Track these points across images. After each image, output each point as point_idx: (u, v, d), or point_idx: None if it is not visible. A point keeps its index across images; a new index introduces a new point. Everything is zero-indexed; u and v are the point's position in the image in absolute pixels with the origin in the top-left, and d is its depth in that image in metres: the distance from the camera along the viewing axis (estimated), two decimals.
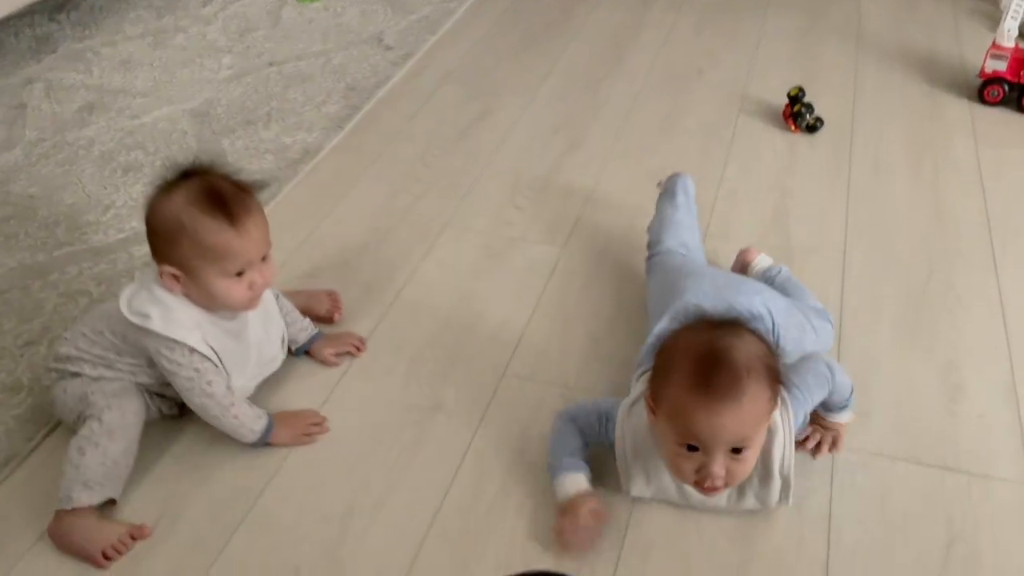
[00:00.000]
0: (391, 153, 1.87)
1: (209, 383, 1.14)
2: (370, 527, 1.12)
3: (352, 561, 1.08)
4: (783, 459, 1.04)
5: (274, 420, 1.21)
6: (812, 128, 1.87)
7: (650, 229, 1.45)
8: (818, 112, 1.89)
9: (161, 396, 1.21)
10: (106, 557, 1.06)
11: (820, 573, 1.05)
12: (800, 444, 1.15)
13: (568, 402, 1.27)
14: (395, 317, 1.44)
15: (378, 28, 2.37)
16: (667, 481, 1.08)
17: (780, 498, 1.07)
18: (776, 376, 0.97)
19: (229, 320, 1.17)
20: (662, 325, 1.16)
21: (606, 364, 1.34)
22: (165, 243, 1.09)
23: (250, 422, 1.18)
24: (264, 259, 1.14)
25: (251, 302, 1.15)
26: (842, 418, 1.17)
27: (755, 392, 0.94)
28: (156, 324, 1.10)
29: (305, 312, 1.41)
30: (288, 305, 1.33)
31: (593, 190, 1.74)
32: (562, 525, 1.08)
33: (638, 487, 1.09)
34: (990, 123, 1.92)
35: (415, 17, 2.42)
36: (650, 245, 1.42)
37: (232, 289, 1.11)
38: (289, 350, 1.32)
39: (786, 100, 1.91)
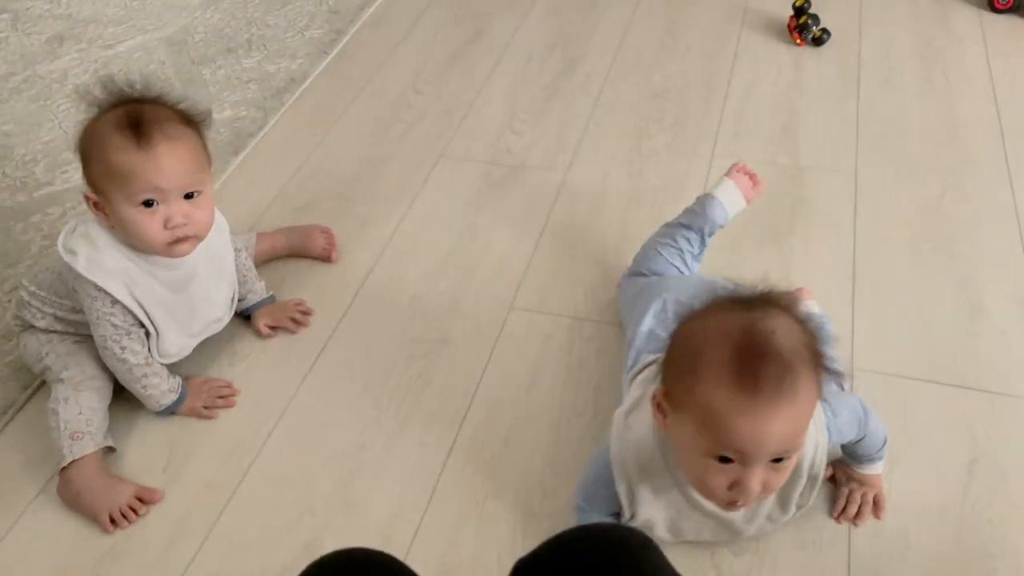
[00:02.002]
0: (380, 79, 1.79)
1: (123, 348, 1.07)
2: (383, 464, 1.09)
3: (367, 499, 1.06)
4: (814, 457, 0.89)
5: (186, 391, 1.14)
6: (818, 40, 1.80)
7: (641, 255, 1.23)
8: (824, 23, 1.81)
9: None
10: (113, 522, 1.03)
11: None
12: (840, 513, 1.00)
13: (577, 333, 1.24)
14: (395, 251, 1.40)
15: None
16: (675, 497, 0.91)
17: (800, 504, 0.93)
18: (822, 364, 0.78)
19: (170, 270, 1.08)
20: (647, 323, 1.04)
21: (615, 292, 1.30)
22: (85, 164, 1.02)
23: (159, 396, 1.11)
24: (190, 197, 1.02)
25: (171, 246, 1.02)
26: (875, 469, 1.00)
27: (807, 389, 0.76)
28: (80, 263, 1.03)
29: (299, 251, 1.36)
30: (247, 264, 1.24)
31: (594, 111, 1.68)
32: None
33: (645, 511, 0.92)
34: (1001, 31, 1.85)
35: None
36: (635, 264, 1.23)
37: (143, 222, 1.00)
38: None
39: (791, 12, 1.83)
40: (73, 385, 1.09)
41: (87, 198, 1.03)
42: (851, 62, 1.78)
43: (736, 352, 0.75)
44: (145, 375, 1.10)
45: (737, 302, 0.80)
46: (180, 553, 1.01)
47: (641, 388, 0.93)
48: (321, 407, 1.17)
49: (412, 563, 0.98)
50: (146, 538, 1.03)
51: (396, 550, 0.99)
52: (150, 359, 1.10)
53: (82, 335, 1.12)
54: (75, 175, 1.52)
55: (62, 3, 2.01)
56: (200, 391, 1.16)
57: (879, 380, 1.16)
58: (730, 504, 0.81)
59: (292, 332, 1.26)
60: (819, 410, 0.87)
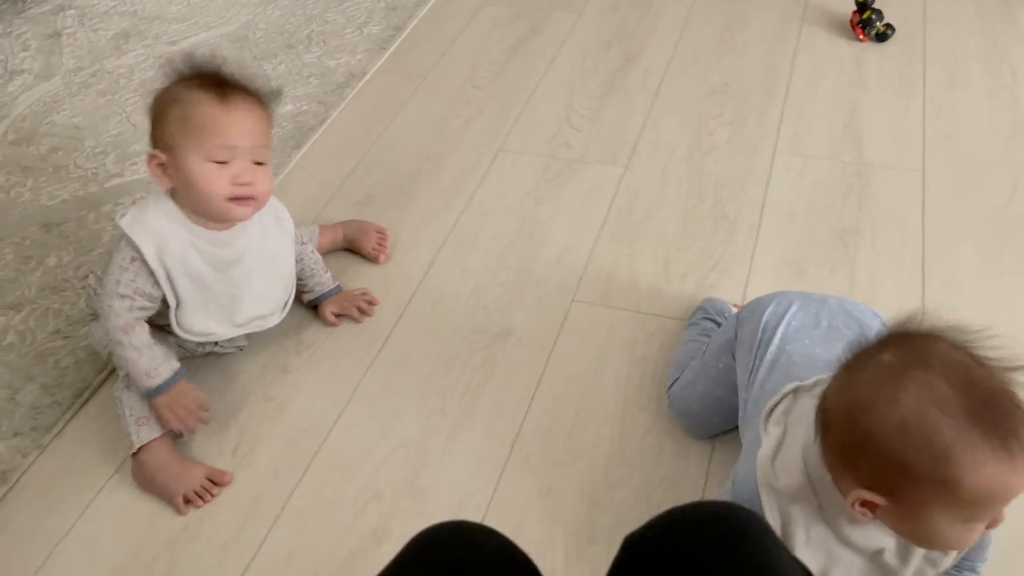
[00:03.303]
0: (438, 75, 1.80)
1: (110, 306, 1.04)
2: (449, 453, 1.10)
3: (433, 486, 1.07)
4: None
5: (170, 387, 1.07)
6: (882, 36, 1.77)
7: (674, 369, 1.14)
8: (887, 19, 1.78)
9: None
10: (188, 502, 1.05)
11: None
12: None
13: (640, 327, 1.23)
14: (455, 244, 1.40)
15: None
16: (826, 536, 0.80)
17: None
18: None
19: (217, 246, 1.07)
20: (771, 352, 0.92)
21: (677, 286, 1.30)
22: (156, 123, 1.04)
23: (133, 372, 1.06)
24: (259, 163, 1.05)
25: (232, 203, 1.03)
26: None
27: None
28: (124, 220, 1.04)
29: (351, 244, 1.37)
30: (313, 258, 1.24)
31: (652, 106, 1.67)
32: None
33: (798, 553, 0.79)
34: None
35: None
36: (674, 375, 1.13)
37: (212, 177, 1.01)
38: (298, 299, 1.24)
39: (853, 7, 1.80)
40: (132, 359, 1.07)
41: (151, 158, 1.04)
42: (915, 59, 1.75)
43: (975, 420, 0.66)
44: (120, 343, 1.05)
45: (903, 356, 0.71)
46: (250, 535, 1.03)
47: (782, 425, 0.84)
48: (386, 395, 1.18)
49: None
50: (218, 520, 1.05)
51: None
52: (134, 327, 1.06)
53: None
54: (144, 167, 1.55)
55: (127, 0, 2.06)
56: (179, 400, 1.08)
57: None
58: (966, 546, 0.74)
59: (357, 321, 1.27)
60: None
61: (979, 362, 0.70)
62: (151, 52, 1.88)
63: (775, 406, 0.86)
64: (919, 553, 0.79)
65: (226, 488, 1.08)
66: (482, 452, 1.10)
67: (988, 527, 0.72)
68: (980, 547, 0.86)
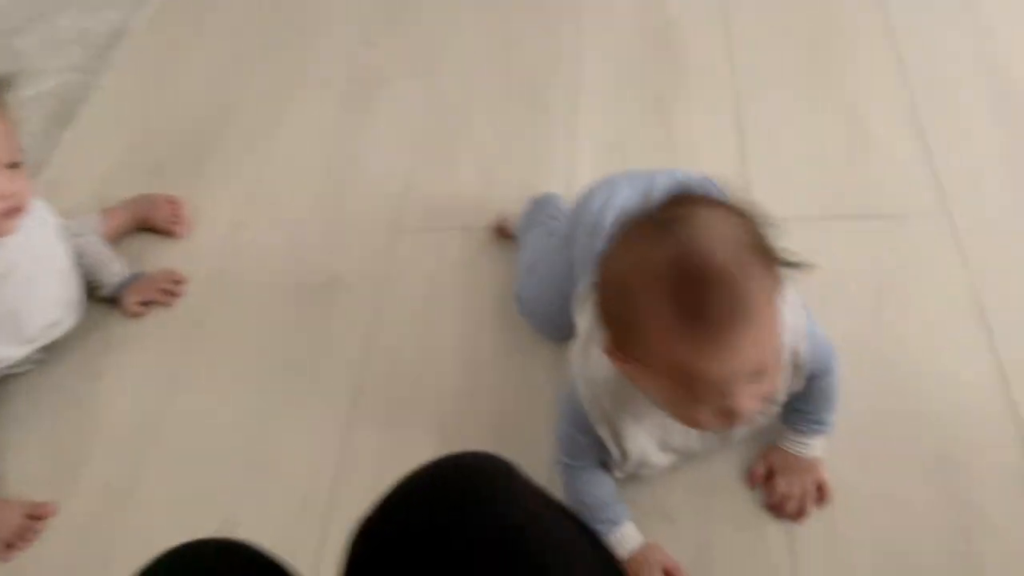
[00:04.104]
0: (212, 19, 1.64)
1: None
2: (289, 423, 1.02)
3: (277, 462, 0.99)
4: (795, 342, 0.78)
5: None
6: None
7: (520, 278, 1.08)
8: None
9: None
10: (9, 546, 0.94)
11: None
12: (777, 509, 0.87)
13: (473, 242, 1.17)
14: (263, 196, 1.29)
15: None
16: (657, 416, 0.81)
17: (793, 389, 0.84)
18: (768, 251, 0.67)
19: None
20: (580, 240, 0.91)
21: (503, 192, 1.23)
22: None
23: None
24: (14, 167, 0.94)
25: (5, 222, 0.95)
26: (814, 448, 0.88)
27: (761, 294, 0.65)
28: None
29: (144, 223, 1.24)
30: (96, 249, 1.12)
31: (447, 6, 1.56)
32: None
33: (634, 444, 0.83)
34: None
35: None
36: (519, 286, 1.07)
37: None
38: (94, 295, 1.13)
39: None
40: None
41: None
42: None
43: (672, 294, 0.64)
44: None
45: (652, 222, 0.68)
46: (91, 563, 0.94)
47: (589, 317, 0.81)
48: (213, 376, 1.08)
49: (336, 517, 0.93)
50: (52, 554, 0.95)
51: (316, 506, 0.95)
52: None
53: None
54: None
55: None
56: None
57: (782, 226, 1.13)
58: (727, 427, 0.73)
59: (166, 305, 1.15)
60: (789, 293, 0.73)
61: (730, 242, 0.65)
62: None
63: (586, 299, 0.82)
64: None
65: (53, 519, 0.97)
66: (324, 414, 1.03)
67: (725, 419, 0.70)
68: (821, 397, 0.87)
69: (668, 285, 0.64)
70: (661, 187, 0.89)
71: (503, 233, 1.16)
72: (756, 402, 0.70)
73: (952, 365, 0.96)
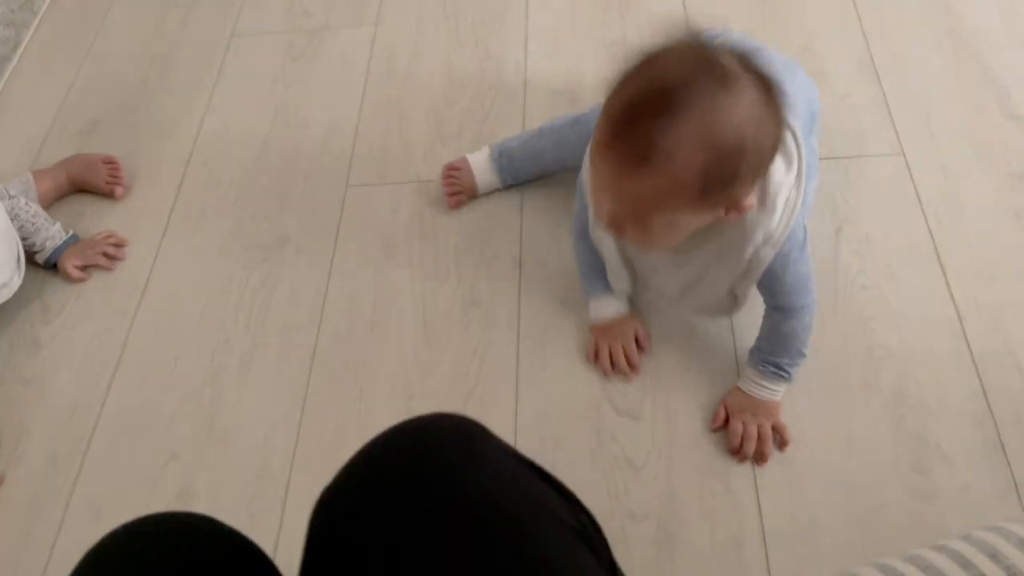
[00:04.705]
0: None
1: None
2: (244, 388, 0.99)
3: (235, 428, 0.96)
4: (761, 243, 0.79)
5: None
6: None
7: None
8: None
9: None
10: None
11: None
12: (737, 452, 0.88)
13: (424, 197, 1.14)
14: (204, 154, 1.24)
15: None
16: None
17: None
18: (728, 171, 0.68)
19: None
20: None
21: (455, 144, 1.20)
22: None
23: None
24: None
25: None
26: (776, 392, 0.88)
27: (675, 176, 0.67)
28: None
29: (80, 184, 1.18)
30: (30, 209, 1.07)
31: None
32: (608, 347, 0.94)
33: (608, 247, 0.89)
34: None
35: None
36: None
37: None
38: (32, 261, 1.08)
39: None
40: None
41: None
42: None
43: (620, 104, 0.68)
44: None
45: (650, 51, 0.69)
46: (40, 538, 0.91)
47: None
48: (160, 343, 1.04)
49: (297, 479, 0.91)
50: None
51: (277, 471, 0.92)
52: None
53: None
54: None
55: None
56: None
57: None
58: (615, 236, 0.79)
59: (108, 269, 1.11)
60: (793, 187, 0.77)
61: (690, 81, 0.66)
62: None
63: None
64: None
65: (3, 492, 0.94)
66: (281, 376, 1.00)
67: (609, 227, 0.75)
68: (783, 339, 0.87)
69: (626, 96, 0.67)
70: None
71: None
72: (628, 235, 0.75)
73: (909, 304, 0.97)
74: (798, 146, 0.79)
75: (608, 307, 0.96)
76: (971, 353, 0.93)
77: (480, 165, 1.10)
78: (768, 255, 0.80)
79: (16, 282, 1.04)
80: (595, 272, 0.96)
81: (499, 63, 1.30)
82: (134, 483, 0.93)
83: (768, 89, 0.67)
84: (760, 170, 0.71)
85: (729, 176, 0.68)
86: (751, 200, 0.73)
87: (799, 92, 0.90)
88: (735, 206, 0.72)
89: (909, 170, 1.09)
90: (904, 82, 1.19)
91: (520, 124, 1.20)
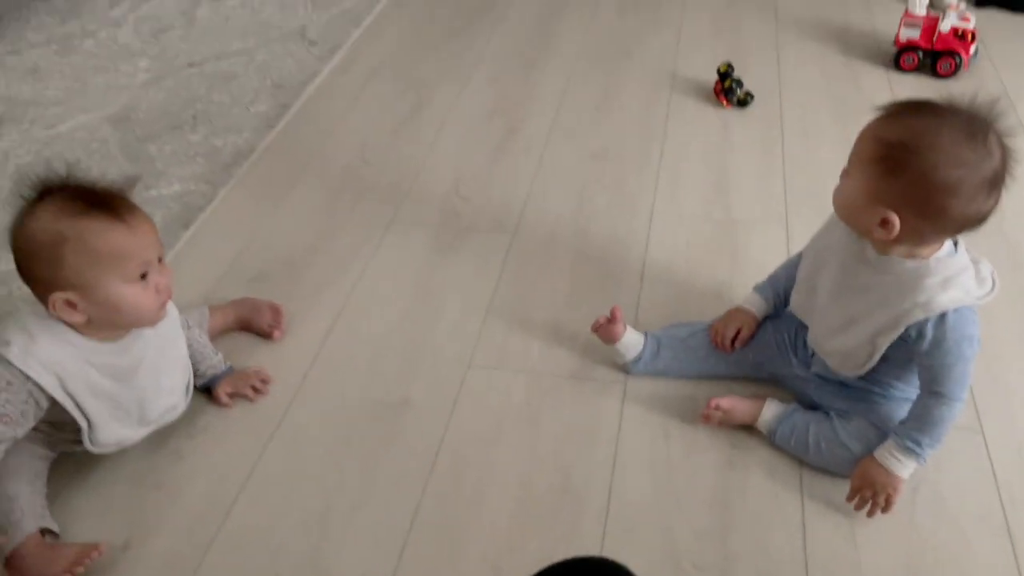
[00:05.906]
0: (327, 151, 1.83)
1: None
2: (350, 529, 1.10)
3: (336, 563, 1.06)
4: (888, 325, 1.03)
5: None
6: (743, 102, 1.91)
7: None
8: (747, 87, 1.93)
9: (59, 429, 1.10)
10: None
11: None
12: (854, 501, 1.07)
13: (535, 387, 1.27)
14: (350, 316, 1.42)
15: (299, 22, 2.31)
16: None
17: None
18: None
19: (116, 357, 1.05)
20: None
21: (569, 346, 1.34)
22: (47, 265, 0.96)
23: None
24: (161, 261, 1.05)
25: (161, 310, 1.06)
26: (906, 469, 1.04)
27: None
28: (13, 353, 0.98)
29: (245, 324, 1.37)
30: (201, 340, 1.24)
31: (536, 173, 1.74)
32: (723, 324, 1.26)
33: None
34: (907, 88, 1.99)
35: (337, 10, 2.37)
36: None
37: (140, 297, 1.01)
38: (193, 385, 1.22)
39: (716, 76, 1.94)
40: None
41: (58, 304, 0.98)
42: (774, 121, 1.89)
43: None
44: None
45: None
46: None
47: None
48: (284, 474, 1.17)
49: None
50: None
51: None
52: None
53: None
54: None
55: (0, 84, 2.01)
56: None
57: None
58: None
59: (251, 400, 1.26)
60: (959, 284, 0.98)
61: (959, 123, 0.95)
62: (27, 136, 1.83)
63: None
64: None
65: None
66: (384, 524, 1.10)
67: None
68: (925, 418, 1.03)
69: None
70: None
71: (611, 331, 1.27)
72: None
73: None
74: (994, 281, 1.00)
75: (747, 301, 1.26)
76: None
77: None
78: (917, 316, 0.98)
79: (182, 407, 1.18)
80: (774, 280, 1.26)
81: (618, 283, 1.46)
82: None
83: (999, 179, 0.92)
84: (955, 226, 0.95)
85: (937, 202, 0.92)
86: (931, 249, 0.98)
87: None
88: (917, 236, 0.96)
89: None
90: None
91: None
